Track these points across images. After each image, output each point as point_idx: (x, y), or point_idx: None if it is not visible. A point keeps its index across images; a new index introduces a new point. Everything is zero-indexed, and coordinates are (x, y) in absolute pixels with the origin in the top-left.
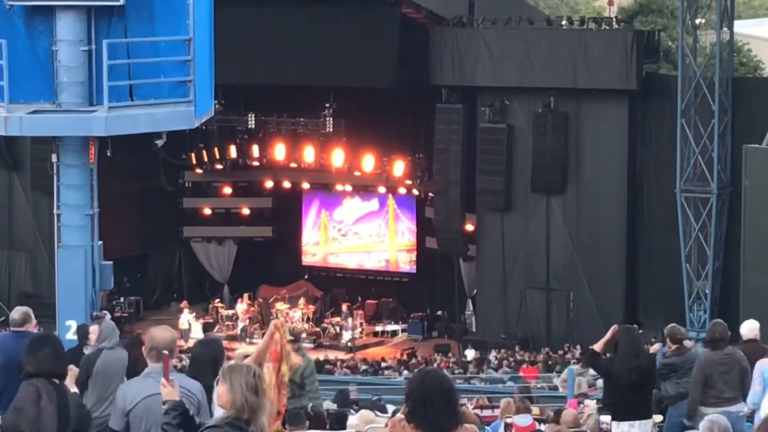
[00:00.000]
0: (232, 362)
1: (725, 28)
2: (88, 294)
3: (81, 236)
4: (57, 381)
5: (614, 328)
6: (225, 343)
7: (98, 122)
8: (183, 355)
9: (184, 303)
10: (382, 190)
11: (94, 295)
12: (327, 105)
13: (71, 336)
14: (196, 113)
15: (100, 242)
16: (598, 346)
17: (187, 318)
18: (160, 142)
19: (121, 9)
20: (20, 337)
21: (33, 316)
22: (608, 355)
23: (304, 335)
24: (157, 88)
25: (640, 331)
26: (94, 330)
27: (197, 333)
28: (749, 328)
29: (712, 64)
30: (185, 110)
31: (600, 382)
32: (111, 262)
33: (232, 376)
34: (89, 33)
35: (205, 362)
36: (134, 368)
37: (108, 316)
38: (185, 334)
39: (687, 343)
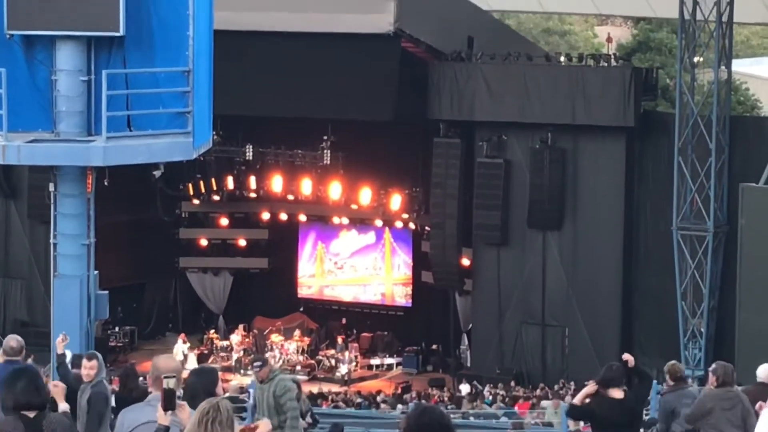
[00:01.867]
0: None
1: (723, 67)
2: (83, 324)
3: (77, 266)
4: (33, 413)
5: (593, 384)
6: (219, 374)
7: (96, 152)
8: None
9: (182, 336)
10: (378, 223)
11: (89, 324)
12: (325, 137)
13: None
14: (194, 144)
15: (96, 272)
16: (577, 399)
17: (181, 348)
18: (157, 173)
19: (120, 40)
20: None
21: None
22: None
23: (298, 367)
24: (156, 118)
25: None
26: (93, 365)
27: (193, 364)
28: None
29: (709, 103)
30: (183, 141)
31: None
32: (107, 292)
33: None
34: (89, 63)
35: (197, 392)
36: (129, 397)
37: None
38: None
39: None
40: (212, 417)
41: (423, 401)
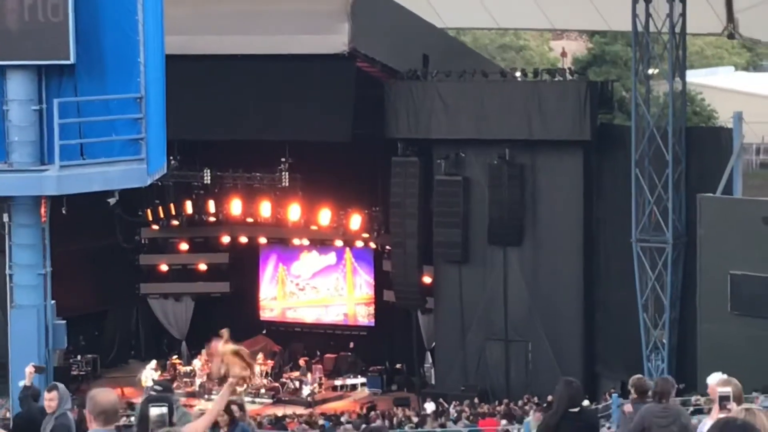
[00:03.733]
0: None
1: (678, 78)
2: (41, 353)
3: (33, 296)
4: None
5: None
6: (183, 400)
7: (50, 181)
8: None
9: (154, 362)
10: (339, 243)
11: (48, 354)
12: (283, 159)
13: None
14: (148, 171)
15: (53, 301)
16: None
17: (150, 375)
18: (112, 201)
19: (71, 68)
20: None
21: None
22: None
23: (262, 390)
24: (109, 146)
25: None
26: (53, 396)
27: None
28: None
29: (665, 114)
30: (137, 168)
31: None
32: (64, 322)
33: None
34: (40, 92)
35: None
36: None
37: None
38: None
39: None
40: None
41: (381, 421)
